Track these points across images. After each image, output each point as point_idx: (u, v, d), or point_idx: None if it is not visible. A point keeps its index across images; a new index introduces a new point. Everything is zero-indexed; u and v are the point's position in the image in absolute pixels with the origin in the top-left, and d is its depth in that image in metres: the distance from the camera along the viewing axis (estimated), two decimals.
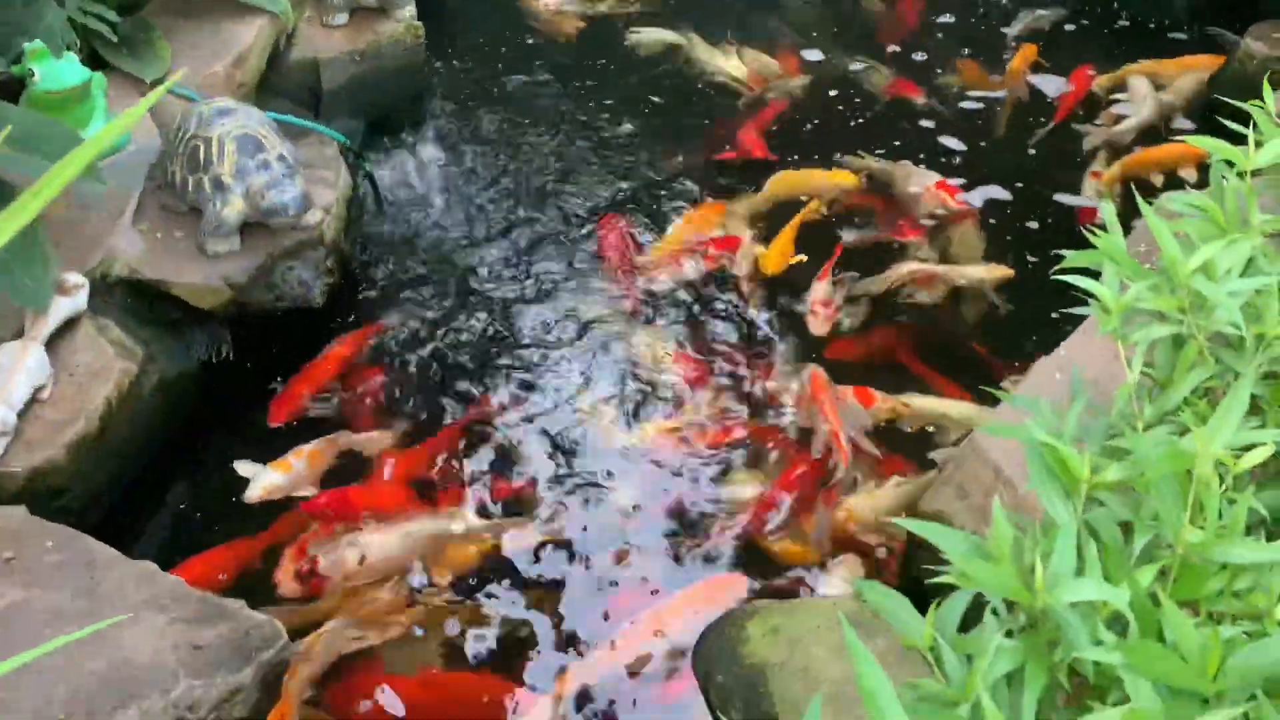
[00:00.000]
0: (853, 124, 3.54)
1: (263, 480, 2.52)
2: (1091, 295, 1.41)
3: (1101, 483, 1.16)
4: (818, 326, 2.89)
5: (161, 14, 3.11)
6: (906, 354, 2.87)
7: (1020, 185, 3.32)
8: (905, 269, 3.04)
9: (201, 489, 2.57)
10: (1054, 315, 2.83)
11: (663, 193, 3.32)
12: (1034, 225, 3.22)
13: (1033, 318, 2.90)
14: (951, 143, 3.46)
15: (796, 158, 3.40)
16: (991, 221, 3.21)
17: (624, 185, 3.34)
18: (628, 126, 3.55)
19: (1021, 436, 1.20)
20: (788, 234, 3.11)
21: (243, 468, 2.55)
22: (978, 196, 3.27)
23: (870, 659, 1.02)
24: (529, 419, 2.69)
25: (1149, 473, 1.10)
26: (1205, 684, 0.97)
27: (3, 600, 2.05)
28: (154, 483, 2.56)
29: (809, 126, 3.54)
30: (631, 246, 3.13)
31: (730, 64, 3.74)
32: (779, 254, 3.06)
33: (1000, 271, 3.03)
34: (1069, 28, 3.98)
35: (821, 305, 2.92)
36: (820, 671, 2.07)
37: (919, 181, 3.24)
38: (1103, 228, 1.54)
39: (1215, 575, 1.09)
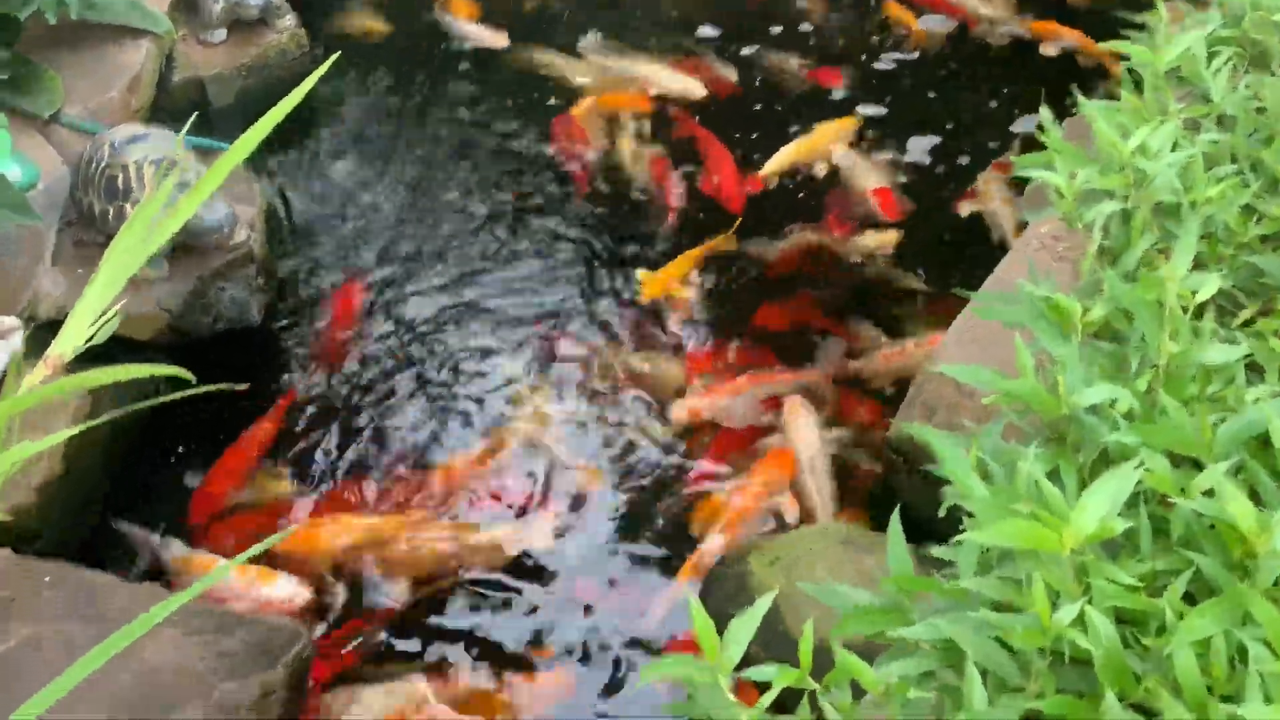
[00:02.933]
0: (779, 110, 3.90)
1: None
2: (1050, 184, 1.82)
3: (1091, 321, 1.55)
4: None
5: (41, 48, 3.30)
6: (830, 315, 3.27)
7: (939, 134, 3.76)
8: (795, 240, 3.42)
9: (163, 513, 2.78)
10: (973, 253, 3.32)
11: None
12: (962, 164, 3.65)
13: (956, 257, 3.37)
14: (870, 110, 3.86)
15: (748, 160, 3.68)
16: (914, 172, 3.65)
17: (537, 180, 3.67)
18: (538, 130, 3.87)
19: (1024, 292, 1.58)
20: (684, 262, 3.32)
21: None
22: (896, 150, 3.70)
23: (951, 447, 1.38)
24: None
25: (1128, 302, 1.50)
26: (1204, 450, 1.36)
27: (13, 639, 2.26)
28: (120, 514, 2.77)
29: (747, 121, 3.85)
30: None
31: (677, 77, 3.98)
32: (662, 280, 3.28)
33: (888, 237, 3.42)
34: None
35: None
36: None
37: (861, 181, 3.57)
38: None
39: (1193, 381, 1.48)
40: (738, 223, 3.42)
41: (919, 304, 3.23)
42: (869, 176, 3.57)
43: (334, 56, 1.47)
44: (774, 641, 2.47)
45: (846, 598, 1.39)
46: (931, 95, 3.90)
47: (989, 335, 2.45)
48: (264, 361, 3.11)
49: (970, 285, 3.07)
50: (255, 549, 1.42)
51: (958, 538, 1.50)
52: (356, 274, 3.33)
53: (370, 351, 3.13)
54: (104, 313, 1.32)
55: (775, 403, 2.97)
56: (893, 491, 2.73)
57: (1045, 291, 1.58)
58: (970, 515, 1.36)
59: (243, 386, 2.40)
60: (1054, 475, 1.43)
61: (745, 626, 1.22)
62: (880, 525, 2.73)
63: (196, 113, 3.53)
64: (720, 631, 2.48)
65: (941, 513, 1.47)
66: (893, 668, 1.32)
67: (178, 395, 1.41)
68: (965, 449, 1.50)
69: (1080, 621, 1.21)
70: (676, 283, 3.27)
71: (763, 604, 1.25)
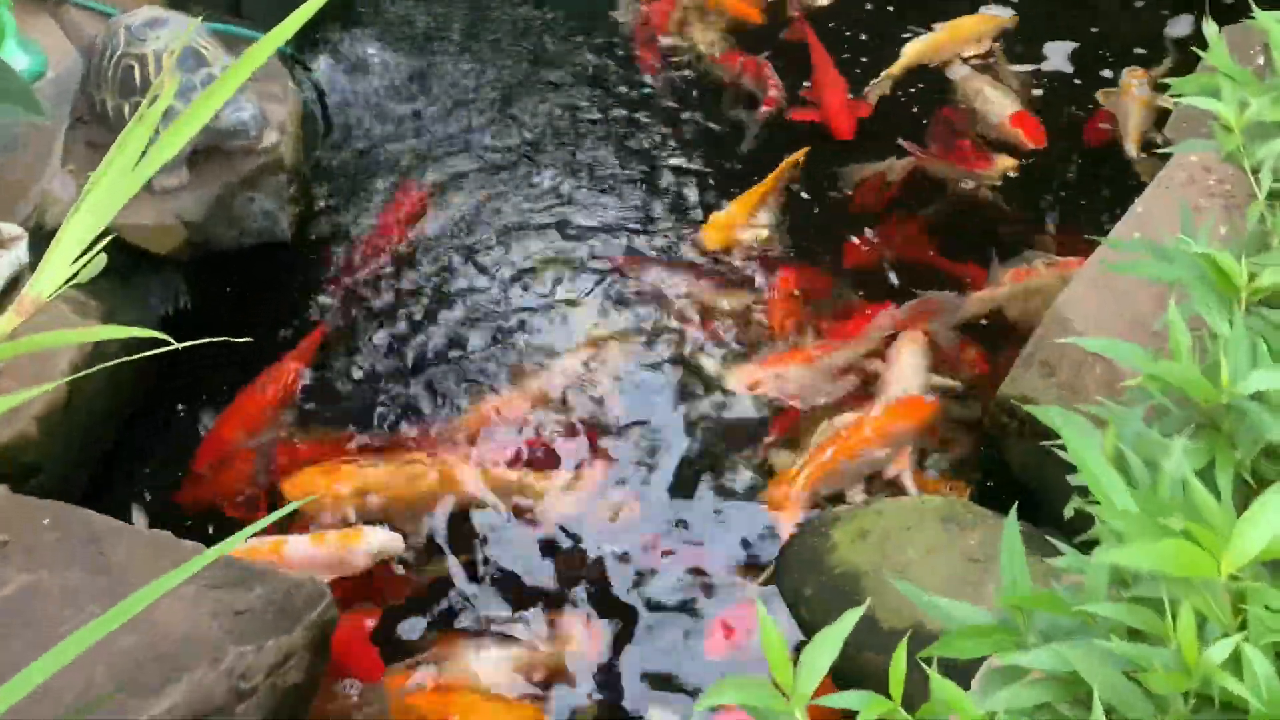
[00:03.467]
0: (891, 10, 3.71)
1: None
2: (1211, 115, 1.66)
3: (1260, 287, 1.41)
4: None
5: None
6: (932, 249, 3.12)
7: (1077, 38, 3.57)
8: (898, 164, 3.26)
9: (180, 453, 2.74)
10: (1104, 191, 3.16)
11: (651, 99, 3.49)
12: (1105, 76, 3.47)
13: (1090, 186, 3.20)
14: (996, 10, 3.66)
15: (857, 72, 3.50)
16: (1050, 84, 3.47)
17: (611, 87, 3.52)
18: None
19: (1177, 247, 1.44)
20: (750, 200, 3.14)
21: None
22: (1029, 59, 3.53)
23: (1084, 438, 1.26)
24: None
25: None
26: None
27: (10, 585, 2.22)
28: (130, 450, 2.73)
29: (854, 24, 3.67)
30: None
31: None
32: (725, 225, 3.10)
33: (1004, 163, 3.26)
34: None
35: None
36: (918, 574, 2.32)
37: (995, 109, 3.36)
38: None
39: None
40: (805, 149, 3.27)
41: (1045, 241, 3.09)
42: (1004, 99, 3.38)
43: None
44: (859, 628, 2.38)
45: (950, 612, 1.29)
46: None
47: (1127, 282, 2.31)
48: (295, 282, 3.04)
49: (1102, 223, 2.93)
50: (269, 518, 1.35)
51: (1084, 537, 1.39)
52: (401, 185, 3.24)
53: (413, 275, 3.05)
54: (96, 242, 1.23)
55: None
56: (1000, 457, 2.61)
57: (1204, 248, 1.44)
58: (1103, 520, 1.24)
59: (245, 339, 2.33)
60: (1206, 473, 1.30)
61: (824, 651, 1.12)
62: (984, 496, 2.62)
63: None
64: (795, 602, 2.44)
65: (1069, 513, 1.35)
66: (1000, 697, 1.22)
67: (186, 344, 1.33)
68: (1094, 430, 1.38)
69: (1234, 661, 1.10)
70: (744, 225, 3.10)
71: (847, 622, 1.15)
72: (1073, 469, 1.54)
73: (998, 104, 3.37)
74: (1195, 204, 2.45)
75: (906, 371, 2.78)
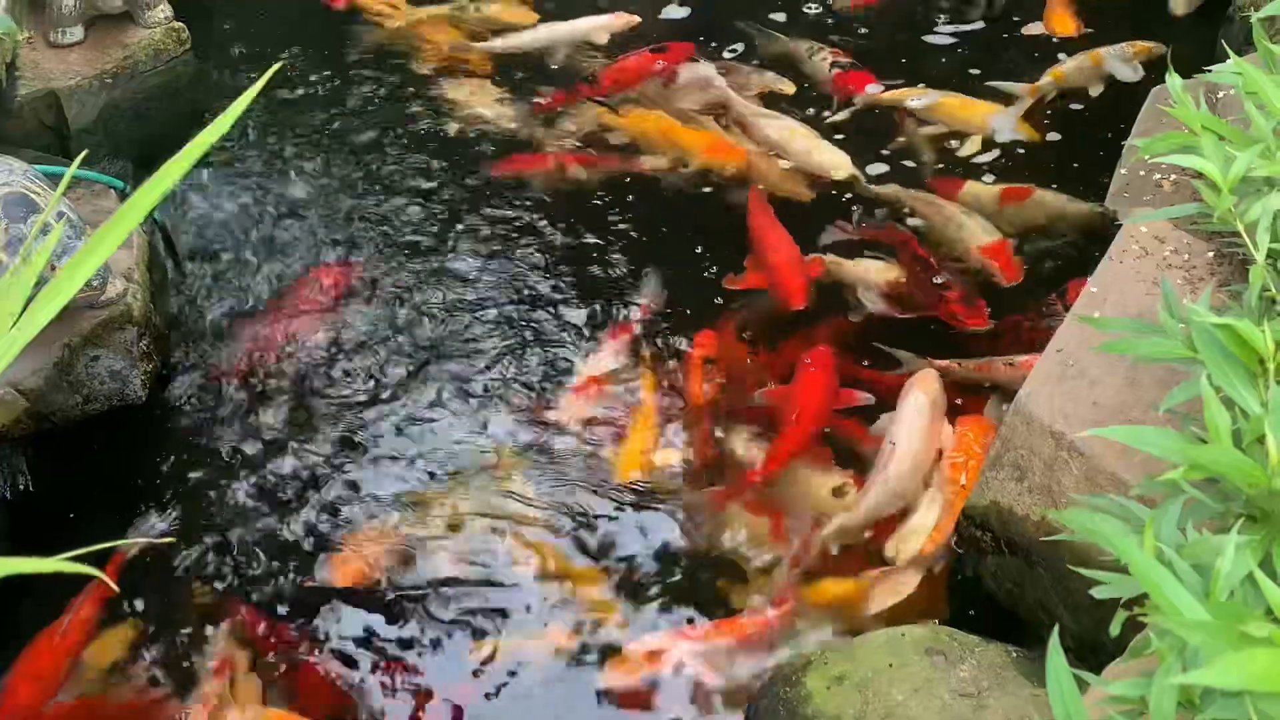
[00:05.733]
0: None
1: None
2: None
3: None
4: None
5: None
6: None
7: None
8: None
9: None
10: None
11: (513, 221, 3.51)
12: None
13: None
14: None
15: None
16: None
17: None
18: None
19: (1196, 320, 1.43)
20: (645, 423, 3.10)
21: None
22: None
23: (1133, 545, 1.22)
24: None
25: None
26: None
27: None
28: None
29: None
30: None
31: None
32: (636, 453, 3.04)
33: (891, 273, 3.31)
34: None
35: None
36: (907, 718, 2.26)
37: (968, 233, 3.37)
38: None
39: None
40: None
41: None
42: (979, 226, 3.37)
43: (275, 68, 1.32)
44: None
45: None
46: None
47: (1092, 369, 2.31)
48: (151, 451, 2.92)
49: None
50: None
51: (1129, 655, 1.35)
52: (265, 333, 3.16)
53: (280, 432, 2.96)
54: None
55: None
56: (974, 574, 2.58)
57: (1210, 316, 1.43)
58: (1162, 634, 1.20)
59: None
60: (1264, 570, 1.27)
61: None
62: (963, 619, 2.58)
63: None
64: None
65: (1115, 630, 1.31)
66: None
67: None
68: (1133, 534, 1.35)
69: None
70: (652, 450, 3.04)
71: None
72: (1080, 583, 1.50)
73: (972, 231, 3.38)
74: (1153, 279, 2.48)
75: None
